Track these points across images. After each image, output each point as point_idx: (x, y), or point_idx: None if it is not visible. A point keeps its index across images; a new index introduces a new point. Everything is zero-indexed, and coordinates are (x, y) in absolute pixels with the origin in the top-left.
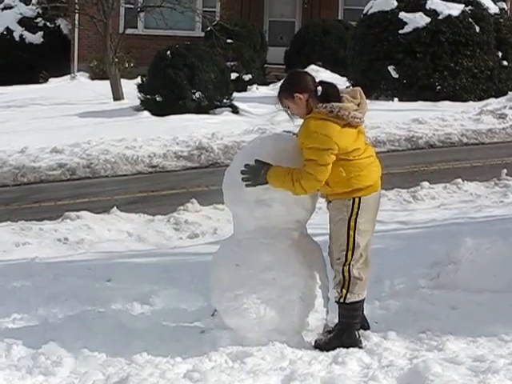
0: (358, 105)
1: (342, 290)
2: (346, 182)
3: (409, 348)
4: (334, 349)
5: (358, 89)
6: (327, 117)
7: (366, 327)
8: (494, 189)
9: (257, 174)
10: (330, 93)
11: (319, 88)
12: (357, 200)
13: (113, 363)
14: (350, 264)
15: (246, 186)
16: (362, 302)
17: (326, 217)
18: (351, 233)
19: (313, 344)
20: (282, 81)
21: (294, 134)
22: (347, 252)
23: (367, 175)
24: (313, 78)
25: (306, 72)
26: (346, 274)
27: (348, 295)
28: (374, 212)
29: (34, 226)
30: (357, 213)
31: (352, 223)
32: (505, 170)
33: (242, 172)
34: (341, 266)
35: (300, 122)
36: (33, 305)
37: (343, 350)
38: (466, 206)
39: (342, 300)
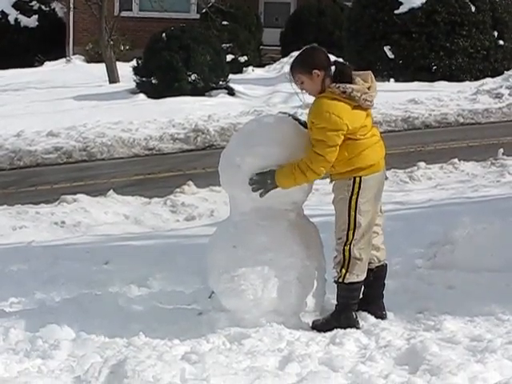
0: (369, 88)
1: (341, 270)
2: (347, 161)
3: (406, 328)
4: (331, 330)
5: (370, 72)
6: (340, 97)
7: (383, 316)
8: (490, 168)
9: (265, 182)
10: (345, 73)
11: (333, 67)
12: (357, 179)
13: (110, 346)
14: (351, 244)
15: (260, 196)
16: (360, 283)
17: (322, 198)
18: (352, 212)
19: (310, 325)
20: (297, 54)
21: (290, 115)
22: (348, 231)
23: (369, 155)
24: (328, 57)
25: (323, 49)
26: (347, 253)
27: (347, 275)
28: (376, 192)
29: (31, 210)
30: (357, 192)
31: (353, 202)
32: (501, 150)
33: (250, 184)
34: (342, 245)
35: (298, 102)
36: (30, 288)
37: (341, 331)
38: (463, 186)
39: (340, 280)
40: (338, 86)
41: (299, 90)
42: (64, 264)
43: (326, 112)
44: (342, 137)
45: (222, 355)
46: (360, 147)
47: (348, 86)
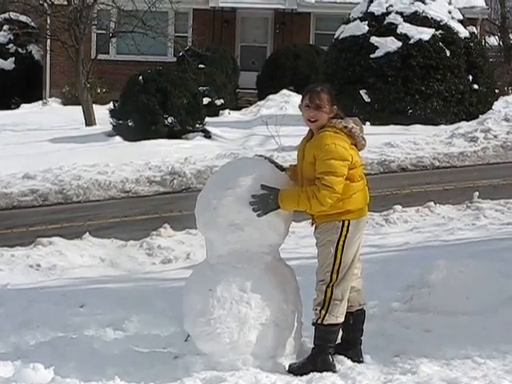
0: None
1: (320, 311)
2: (338, 203)
3: (383, 371)
4: (307, 373)
5: (357, 118)
6: (341, 132)
7: (360, 362)
8: (466, 211)
9: (266, 201)
10: (342, 116)
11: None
12: (346, 222)
13: None
14: (333, 285)
15: (258, 216)
16: (339, 325)
17: (298, 241)
18: (338, 255)
19: (287, 369)
20: (325, 87)
21: (266, 158)
22: (332, 273)
23: (359, 198)
24: None
25: None
26: (328, 294)
27: (326, 316)
28: (360, 236)
29: (6, 253)
30: (345, 235)
31: (340, 245)
32: (476, 193)
33: (251, 203)
34: (324, 286)
35: (274, 145)
36: (5, 332)
37: (317, 375)
38: (439, 229)
39: (319, 321)
40: (339, 121)
41: (276, 133)
42: (39, 307)
43: (331, 143)
44: (347, 168)
45: None
46: (352, 190)
47: (349, 123)
